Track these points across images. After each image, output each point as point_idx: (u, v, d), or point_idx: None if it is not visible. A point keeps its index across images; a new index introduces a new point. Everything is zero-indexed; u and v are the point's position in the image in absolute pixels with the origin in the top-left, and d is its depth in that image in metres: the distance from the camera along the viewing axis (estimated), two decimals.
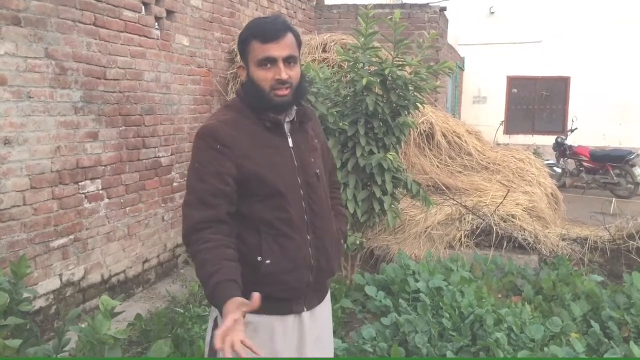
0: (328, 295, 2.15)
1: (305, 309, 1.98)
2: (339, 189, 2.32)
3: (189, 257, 5.30)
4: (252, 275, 1.84)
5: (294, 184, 1.92)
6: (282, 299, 1.91)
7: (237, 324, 1.51)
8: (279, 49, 1.81)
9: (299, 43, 1.92)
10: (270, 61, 1.81)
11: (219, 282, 1.68)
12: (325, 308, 2.11)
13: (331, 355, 2.16)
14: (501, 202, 5.42)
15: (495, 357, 3.13)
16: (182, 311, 3.89)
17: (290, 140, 1.95)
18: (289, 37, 1.85)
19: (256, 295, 1.58)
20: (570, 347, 3.22)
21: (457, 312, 3.54)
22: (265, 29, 1.82)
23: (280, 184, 1.88)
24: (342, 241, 2.15)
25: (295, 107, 1.96)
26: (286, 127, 1.95)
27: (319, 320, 2.06)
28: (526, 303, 3.97)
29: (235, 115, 1.91)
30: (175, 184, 5.26)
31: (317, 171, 1.99)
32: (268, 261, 1.87)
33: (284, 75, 1.81)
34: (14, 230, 3.45)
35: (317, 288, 2.02)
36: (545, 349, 3.21)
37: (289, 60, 1.84)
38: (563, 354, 3.01)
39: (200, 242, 1.77)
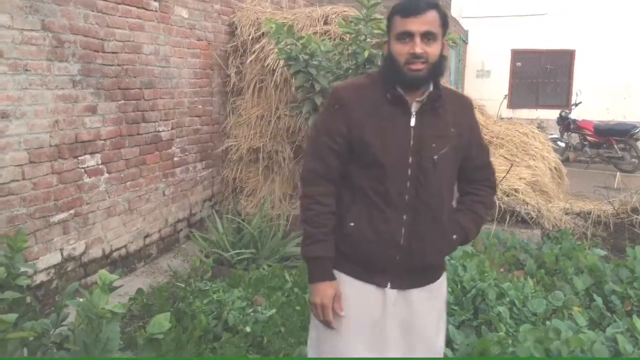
0: (436, 287, 2.08)
1: (389, 285, 2.00)
2: (490, 188, 2.17)
3: (190, 232, 5.30)
4: (339, 230, 1.99)
5: (402, 162, 1.92)
6: (363, 266, 2.00)
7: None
8: (417, 24, 1.84)
9: (443, 22, 1.91)
10: (408, 35, 1.85)
11: (320, 257, 1.96)
12: (425, 296, 2.05)
13: (423, 347, 2.07)
14: (504, 177, 5.38)
15: (497, 331, 3.12)
16: (183, 286, 3.89)
17: (413, 119, 1.93)
18: (431, 14, 1.86)
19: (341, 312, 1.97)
20: (573, 321, 3.21)
21: (459, 286, 3.52)
22: (407, 4, 1.87)
23: (382, 157, 1.91)
24: (454, 236, 2.04)
25: (431, 89, 1.93)
26: (414, 106, 1.93)
27: (413, 306, 2.03)
28: (528, 277, 3.96)
29: (367, 82, 2.02)
30: (175, 158, 5.23)
31: (436, 157, 1.93)
32: (352, 224, 1.98)
33: (418, 50, 1.83)
34: (13, 204, 3.42)
35: (410, 270, 2.00)
36: (548, 322, 3.20)
37: (427, 36, 1.85)
38: (565, 328, 2.99)
39: (312, 201, 2.00)
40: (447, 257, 3.88)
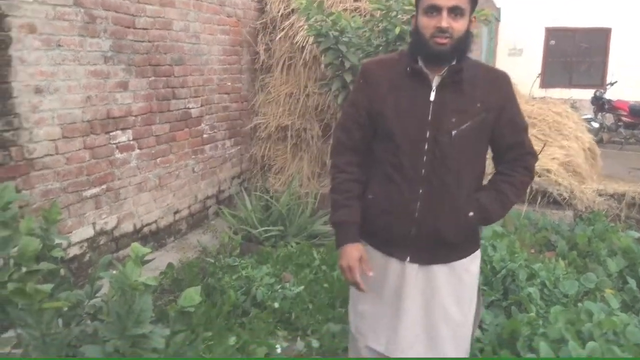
0: (462, 265, 2.07)
1: (409, 259, 2.03)
2: (524, 169, 2.07)
3: (219, 209, 5.34)
4: (363, 203, 2.08)
5: (419, 135, 1.94)
6: (383, 239, 2.06)
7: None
8: None
9: None
10: (435, 9, 1.85)
11: (345, 222, 2.04)
12: (447, 272, 2.05)
13: (445, 327, 2.08)
14: None
15: (528, 312, 3.08)
16: (212, 261, 3.93)
17: (433, 93, 1.93)
18: None
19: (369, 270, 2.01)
20: (605, 303, 3.16)
21: (488, 266, 3.49)
22: None
23: (396, 130, 1.96)
24: (470, 213, 2.00)
25: (454, 62, 1.92)
26: (436, 80, 1.94)
27: (434, 282, 2.05)
28: (560, 259, 3.90)
29: (395, 58, 2.07)
30: (205, 135, 5.25)
31: (454, 132, 1.92)
32: (370, 196, 2.07)
33: (444, 24, 1.84)
34: (47, 178, 3.48)
35: (430, 245, 2.01)
36: (579, 304, 3.16)
37: (454, 12, 1.85)
38: (597, 310, 2.94)
39: (337, 170, 2.11)
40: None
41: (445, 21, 1.84)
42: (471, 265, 2.12)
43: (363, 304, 2.17)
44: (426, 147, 1.93)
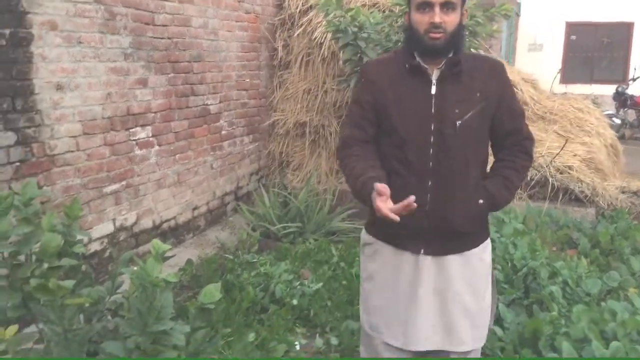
0: (475, 254, 2.10)
1: (422, 252, 2.06)
2: (524, 154, 2.11)
3: (237, 205, 5.35)
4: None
5: (423, 129, 1.97)
6: (397, 233, 2.05)
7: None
8: None
9: None
10: (427, 5, 1.90)
11: (366, 181, 1.94)
12: (461, 262, 2.07)
13: (462, 317, 2.08)
14: (558, 153, 5.22)
15: (549, 311, 3.04)
16: (231, 258, 3.94)
17: (434, 87, 1.98)
18: None
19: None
20: (629, 302, 3.10)
21: (509, 264, 3.45)
22: None
23: (400, 125, 1.99)
24: (480, 201, 2.04)
25: (450, 55, 1.97)
26: (435, 74, 1.98)
27: (448, 272, 2.06)
28: (582, 257, 3.84)
29: (392, 56, 2.13)
30: (223, 132, 5.26)
31: (459, 123, 1.96)
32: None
33: (437, 19, 1.89)
34: (68, 175, 3.51)
35: (442, 236, 2.03)
36: (602, 303, 3.11)
37: (446, 6, 1.90)
38: (621, 309, 2.90)
39: (349, 155, 2.08)
40: (493, 229, 3.81)
41: (438, 16, 1.89)
42: (483, 254, 2.14)
43: (377, 300, 2.17)
44: (432, 139, 1.97)
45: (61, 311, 1.58)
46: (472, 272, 2.09)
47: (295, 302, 3.44)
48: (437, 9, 1.89)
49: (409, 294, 2.08)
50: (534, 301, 3.18)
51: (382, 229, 2.10)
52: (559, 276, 3.33)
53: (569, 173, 5.14)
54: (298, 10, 5.81)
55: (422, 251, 2.05)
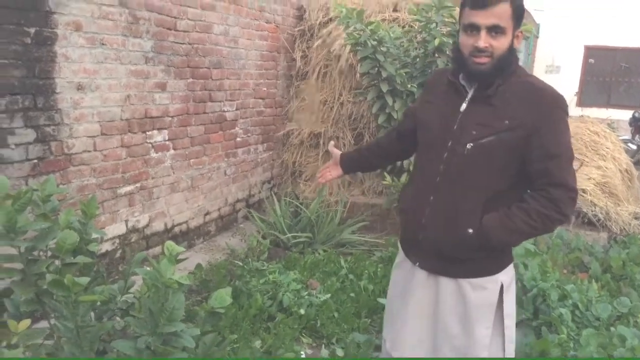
0: (475, 286, 1.97)
1: (418, 264, 2.07)
2: (548, 201, 1.83)
3: (248, 213, 5.37)
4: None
5: (440, 144, 1.97)
6: (401, 237, 2.19)
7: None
8: (483, 17, 1.81)
9: (516, 14, 1.85)
10: (474, 28, 1.84)
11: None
12: (454, 289, 1.99)
13: (448, 345, 2.03)
14: None
15: (558, 333, 3.02)
16: (240, 264, 3.95)
17: (465, 105, 1.95)
18: (502, 7, 1.81)
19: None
20: (639, 328, 3.08)
21: (519, 284, 3.43)
22: None
23: (423, 135, 2.08)
24: (470, 230, 1.89)
25: (496, 80, 1.88)
26: (471, 92, 1.95)
27: (439, 294, 2.02)
28: (593, 281, 3.82)
29: (449, 70, 2.08)
30: (238, 139, 5.29)
31: (470, 145, 1.88)
32: (401, 196, 2.24)
33: (481, 44, 1.82)
34: (84, 174, 3.54)
35: (437, 254, 1.99)
36: (612, 328, 3.08)
37: (494, 30, 1.82)
38: (631, 335, 2.87)
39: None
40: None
41: (483, 41, 1.82)
42: (487, 285, 1.99)
43: (387, 304, 2.31)
44: (445, 155, 1.95)
45: (74, 307, 1.59)
46: (462, 301, 1.99)
47: (302, 311, 3.44)
48: (483, 33, 1.81)
49: (402, 304, 2.12)
50: (543, 323, 3.16)
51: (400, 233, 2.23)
52: (569, 299, 3.31)
53: (582, 196, 5.11)
54: (318, 22, 5.85)
55: (417, 264, 2.07)
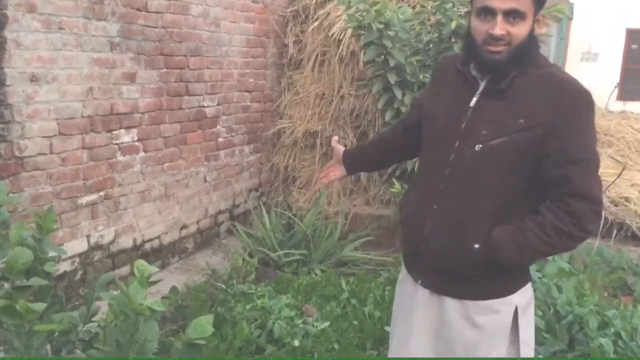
0: (476, 306, 1.97)
1: (419, 281, 2.08)
2: (567, 214, 1.80)
3: (232, 226, 5.37)
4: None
5: (447, 144, 1.96)
6: (403, 250, 2.23)
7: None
8: (500, 0, 1.79)
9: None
10: (488, 12, 1.82)
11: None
12: (460, 311, 1.99)
13: None
14: (613, 182, 5.22)
15: None
16: (223, 287, 3.94)
17: (475, 99, 1.94)
18: None
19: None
20: None
21: (552, 310, 3.44)
22: None
23: (431, 135, 2.08)
24: (476, 245, 1.89)
25: (513, 71, 1.86)
26: (482, 84, 1.94)
27: (444, 317, 2.03)
28: (638, 305, 3.83)
29: (459, 57, 2.09)
30: (220, 139, 5.30)
31: (479, 146, 1.88)
32: (403, 201, 2.22)
33: (497, 31, 1.80)
34: (38, 181, 3.55)
35: (437, 269, 2.00)
36: None
37: (512, 15, 1.80)
38: None
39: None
40: (533, 267, 3.80)
41: (499, 27, 1.80)
42: (499, 308, 1.98)
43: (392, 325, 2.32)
44: (451, 158, 1.94)
45: (28, 338, 1.60)
46: (468, 326, 1.99)
47: (296, 343, 3.43)
48: (499, 18, 1.79)
49: (407, 326, 2.12)
50: (580, 354, 3.17)
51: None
52: (611, 327, 3.32)
53: (625, 205, 5.14)
54: (314, 1, 5.87)
55: (420, 281, 2.07)
